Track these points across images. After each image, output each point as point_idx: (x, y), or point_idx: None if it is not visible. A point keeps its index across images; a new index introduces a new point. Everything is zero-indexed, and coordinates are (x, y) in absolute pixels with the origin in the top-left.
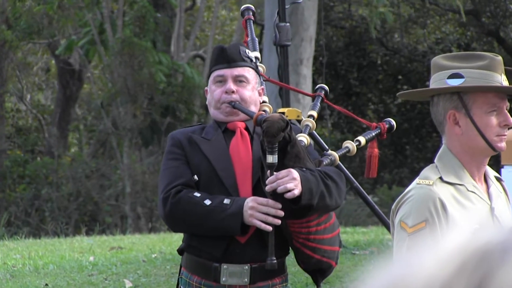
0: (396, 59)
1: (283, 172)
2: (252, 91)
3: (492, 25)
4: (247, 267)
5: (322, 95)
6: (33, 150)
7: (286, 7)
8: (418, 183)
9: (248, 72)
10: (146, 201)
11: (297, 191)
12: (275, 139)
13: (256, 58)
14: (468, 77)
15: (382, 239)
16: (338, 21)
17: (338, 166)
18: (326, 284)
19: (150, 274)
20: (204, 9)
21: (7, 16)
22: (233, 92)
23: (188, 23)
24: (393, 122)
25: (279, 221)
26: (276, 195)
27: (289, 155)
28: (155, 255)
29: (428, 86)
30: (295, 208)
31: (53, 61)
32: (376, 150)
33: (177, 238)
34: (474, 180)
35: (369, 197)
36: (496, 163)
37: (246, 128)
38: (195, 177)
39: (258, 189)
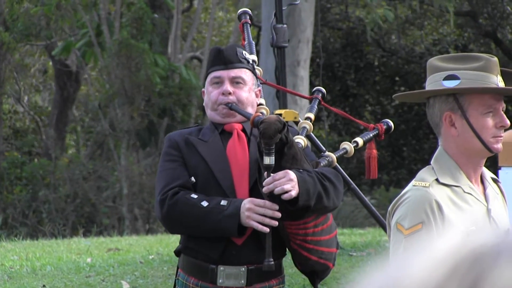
0: (393, 60)
1: (280, 174)
2: (249, 92)
3: (490, 27)
4: (243, 268)
5: (319, 98)
6: (30, 152)
7: (283, 8)
8: (414, 185)
9: (245, 74)
10: (143, 202)
11: (294, 192)
12: (272, 141)
13: (254, 61)
14: (464, 79)
15: (379, 241)
16: (335, 23)
17: (335, 168)
18: (323, 285)
19: (148, 275)
20: (201, 10)
21: (5, 17)
22: (229, 93)
23: (185, 24)
24: (391, 123)
25: (276, 223)
26: (273, 197)
27: (286, 156)
28: (152, 256)
29: (424, 87)
30: (292, 210)
31: (50, 63)
32: (375, 151)
33: (174, 240)
34: (471, 181)
35: (366, 199)
36: (494, 165)
37: (243, 130)
38: (192, 178)
39: (255, 191)
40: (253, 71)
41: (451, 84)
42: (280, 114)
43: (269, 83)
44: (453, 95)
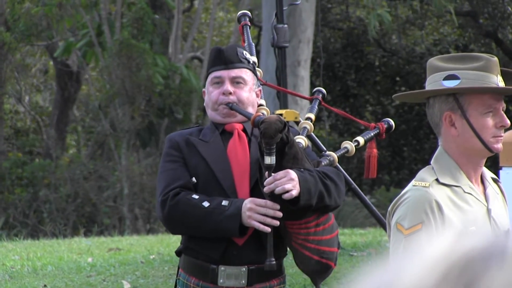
0: (394, 60)
1: (281, 173)
2: (249, 92)
3: (490, 27)
4: (244, 269)
5: (320, 98)
6: (31, 152)
7: (284, 8)
8: (414, 185)
9: (245, 74)
10: (144, 202)
11: (295, 192)
12: (273, 140)
13: (253, 63)
14: (464, 79)
15: (380, 241)
16: (336, 23)
17: (336, 167)
18: (324, 285)
19: (148, 275)
20: (202, 10)
21: (6, 18)
22: (230, 93)
23: (186, 24)
24: (392, 122)
25: (277, 222)
26: (274, 196)
27: (287, 156)
28: (153, 256)
29: (425, 87)
30: (293, 209)
31: (51, 63)
32: (375, 150)
33: (175, 240)
34: (471, 181)
35: (367, 199)
36: (494, 165)
37: (244, 130)
38: (193, 179)
39: (256, 191)
40: (253, 71)
41: (451, 84)
42: (281, 114)
43: (269, 84)
44: (453, 95)
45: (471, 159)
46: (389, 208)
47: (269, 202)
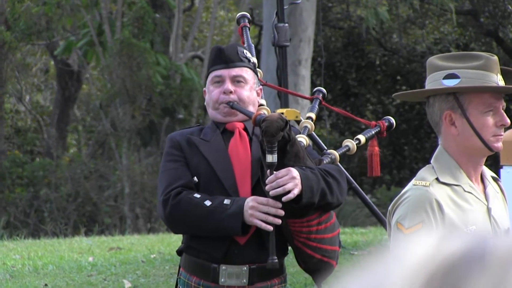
0: (395, 59)
1: (283, 171)
2: (250, 91)
3: (491, 25)
4: (245, 268)
5: (320, 98)
6: (32, 151)
7: (285, 8)
8: (414, 184)
9: (246, 72)
10: (144, 201)
11: (296, 190)
12: (274, 139)
13: (254, 64)
14: (464, 78)
15: (380, 240)
16: (336, 22)
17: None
18: (325, 284)
19: (149, 274)
20: (202, 10)
21: (6, 17)
22: (231, 92)
23: (186, 24)
24: (393, 120)
25: (279, 221)
26: (276, 195)
27: (288, 154)
28: (154, 255)
29: (425, 87)
30: (296, 207)
31: (52, 62)
32: (377, 148)
33: (176, 239)
34: (471, 180)
35: (368, 198)
36: (495, 164)
37: (245, 129)
38: (195, 178)
39: (257, 189)
40: (254, 70)
41: (451, 83)
42: (282, 113)
43: (269, 85)
44: (453, 94)
45: (471, 158)
46: (390, 207)
47: (271, 201)
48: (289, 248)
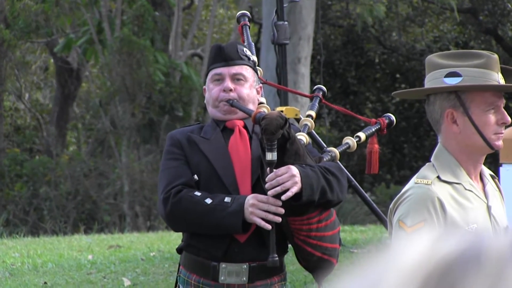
0: (394, 57)
1: (283, 169)
2: (250, 89)
3: (490, 24)
4: (245, 266)
5: (320, 96)
6: (31, 149)
7: (284, 5)
8: (416, 182)
9: (246, 70)
10: (144, 199)
11: (296, 188)
12: (274, 136)
13: (254, 62)
14: (466, 76)
15: (380, 238)
16: (336, 20)
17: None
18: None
19: (149, 272)
20: (202, 7)
21: (5, 15)
22: (231, 90)
23: (186, 22)
24: (393, 118)
25: (279, 219)
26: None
27: (288, 152)
28: (154, 253)
29: (424, 85)
30: (296, 205)
31: (52, 60)
32: (376, 146)
33: (175, 237)
34: (471, 178)
35: (367, 196)
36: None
37: (245, 126)
38: (195, 176)
39: (257, 187)
40: (254, 68)
41: (453, 81)
42: (281, 111)
43: (269, 83)
44: (455, 92)
45: (472, 156)
46: (391, 206)
47: (271, 199)
48: (289, 246)
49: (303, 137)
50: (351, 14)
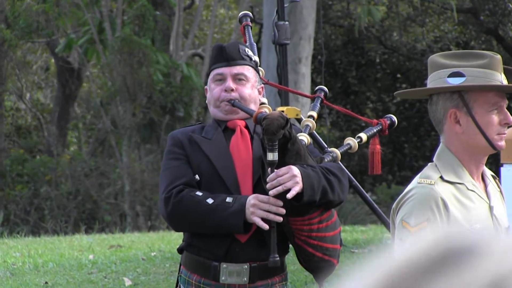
0: (395, 57)
1: (284, 169)
2: (251, 89)
3: (491, 24)
4: (246, 266)
5: (322, 96)
6: (32, 149)
7: (285, 5)
8: (419, 182)
9: (247, 71)
10: (145, 199)
11: (297, 188)
12: (275, 137)
13: (256, 62)
14: (469, 76)
15: (381, 238)
16: (337, 20)
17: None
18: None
19: (150, 272)
20: (203, 7)
21: (6, 15)
22: (232, 90)
23: (187, 22)
24: (394, 118)
25: (280, 218)
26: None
27: (289, 152)
28: (154, 253)
29: (426, 84)
30: (297, 205)
31: (52, 60)
32: (378, 147)
33: (176, 237)
34: (473, 178)
35: (368, 196)
36: (496, 162)
37: (246, 126)
38: (197, 176)
39: (259, 187)
40: (255, 68)
41: (456, 81)
42: (282, 111)
43: (271, 83)
44: (458, 92)
45: (474, 156)
46: (393, 206)
47: (272, 199)
48: (290, 246)
49: (304, 137)
50: (352, 14)
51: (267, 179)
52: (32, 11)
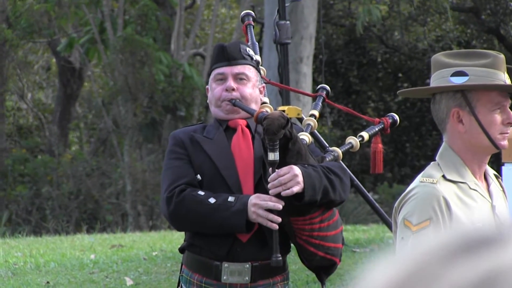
0: (396, 57)
1: (285, 169)
2: (252, 88)
3: (492, 23)
4: (248, 265)
5: (324, 95)
6: (34, 149)
7: (286, 5)
8: (421, 181)
9: (248, 70)
10: (146, 199)
11: (298, 188)
12: (276, 137)
13: (257, 62)
14: (472, 75)
15: (382, 237)
16: (338, 19)
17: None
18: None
19: (151, 272)
20: (204, 7)
21: (8, 15)
22: (233, 89)
23: (188, 21)
24: (396, 117)
25: (279, 218)
26: (276, 193)
27: (290, 152)
28: (156, 253)
29: (428, 83)
30: (298, 205)
31: (54, 60)
32: (380, 146)
33: (178, 236)
34: (476, 178)
35: (370, 195)
36: (497, 161)
37: (247, 126)
38: (198, 176)
39: (260, 187)
40: (257, 67)
41: (459, 80)
42: (283, 111)
43: (273, 83)
44: (461, 91)
45: (477, 155)
46: (396, 204)
47: (273, 198)
48: (292, 245)
49: (305, 136)
50: (353, 13)
51: (268, 179)
52: (33, 10)
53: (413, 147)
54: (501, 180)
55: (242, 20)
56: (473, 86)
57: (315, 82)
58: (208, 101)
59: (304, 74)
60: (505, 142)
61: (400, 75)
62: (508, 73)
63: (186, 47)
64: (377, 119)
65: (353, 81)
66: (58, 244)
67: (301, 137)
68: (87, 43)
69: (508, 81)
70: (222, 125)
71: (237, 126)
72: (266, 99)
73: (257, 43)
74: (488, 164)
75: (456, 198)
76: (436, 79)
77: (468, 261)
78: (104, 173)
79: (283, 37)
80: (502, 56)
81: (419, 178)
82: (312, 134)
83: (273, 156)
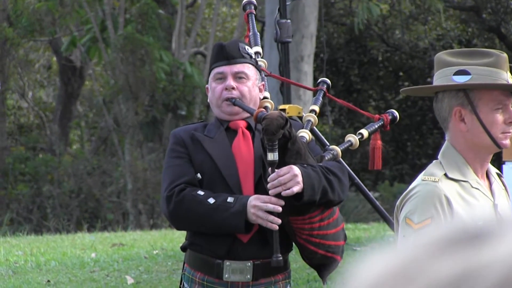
0: (397, 55)
1: (284, 169)
2: (252, 87)
3: (493, 22)
4: (249, 263)
5: (324, 89)
6: (35, 147)
7: (287, 4)
8: (423, 180)
9: (247, 69)
10: (147, 198)
11: (298, 188)
12: (275, 137)
13: (258, 53)
14: (475, 74)
15: (383, 236)
16: (339, 18)
17: (339, 162)
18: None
19: (152, 270)
20: (205, 6)
21: (9, 13)
22: (233, 88)
23: (189, 20)
24: (396, 114)
25: (279, 220)
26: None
27: (289, 152)
28: (157, 251)
29: (429, 82)
30: (297, 205)
31: (55, 58)
32: (379, 142)
33: (179, 235)
34: (478, 176)
35: (370, 194)
36: (498, 159)
37: (248, 127)
38: (198, 175)
39: (260, 187)
40: (256, 66)
41: (461, 79)
42: (284, 110)
43: (274, 75)
44: (463, 90)
45: (479, 154)
46: (397, 203)
47: (273, 199)
48: (293, 244)
49: (305, 134)
50: (354, 12)
51: (268, 179)
52: (34, 9)
53: (414, 145)
54: (503, 178)
55: (244, 9)
56: (475, 85)
57: (316, 81)
58: (208, 100)
59: (305, 73)
60: (506, 141)
61: (401, 73)
62: (511, 72)
63: (187, 45)
64: (377, 116)
65: (354, 79)
66: (59, 243)
67: (300, 134)
68: (88, 42)
69: (510, 81)
70: (223, 124)
71: (238, 128)
72: (267, 94)
73: (258, 34)
74: (490, 162)
75: (458, 197)
76: (439, 78)
77: (452, 257)
78: (105, 172)
79: (284, 35)
80: (505, 55)
81: (421, 176)
82: (311, 131)
83: (272, 156)
